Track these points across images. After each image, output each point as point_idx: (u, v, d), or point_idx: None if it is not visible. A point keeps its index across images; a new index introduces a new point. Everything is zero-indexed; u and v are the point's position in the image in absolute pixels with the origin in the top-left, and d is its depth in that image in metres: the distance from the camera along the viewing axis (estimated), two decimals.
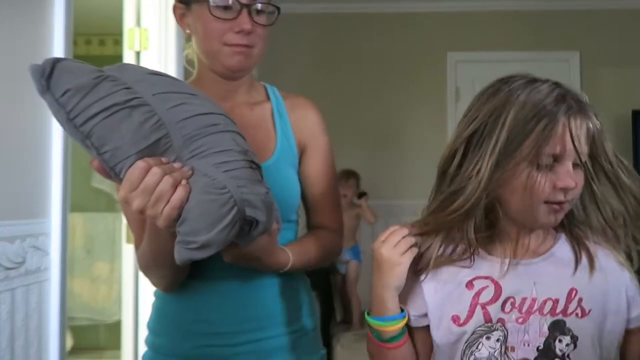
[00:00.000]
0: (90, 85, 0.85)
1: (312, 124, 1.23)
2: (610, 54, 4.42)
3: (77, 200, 2.59)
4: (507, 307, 0.96)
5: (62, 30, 1.57)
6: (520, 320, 0.95)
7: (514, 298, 0.96)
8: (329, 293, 3.74)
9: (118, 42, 4.03)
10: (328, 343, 3.49)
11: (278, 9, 1.13)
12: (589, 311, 0.96)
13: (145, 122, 0.86)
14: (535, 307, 0.96)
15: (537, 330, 0.95)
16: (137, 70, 0.97)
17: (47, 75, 0.86)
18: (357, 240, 3.88)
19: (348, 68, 4.53)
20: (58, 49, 1.56)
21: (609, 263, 0.99)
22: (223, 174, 0.89)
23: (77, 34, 2.21)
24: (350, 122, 4.36)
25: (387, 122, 4.51)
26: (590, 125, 0.94)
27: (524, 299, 0.96)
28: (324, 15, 4.57)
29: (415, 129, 4.51)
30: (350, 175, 3.79)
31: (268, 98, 1.23)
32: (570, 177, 0.92)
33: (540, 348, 0.95)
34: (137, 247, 1.11)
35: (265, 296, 1.13)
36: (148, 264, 1.07)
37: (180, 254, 0.87)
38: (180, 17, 1.15)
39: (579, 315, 0.95)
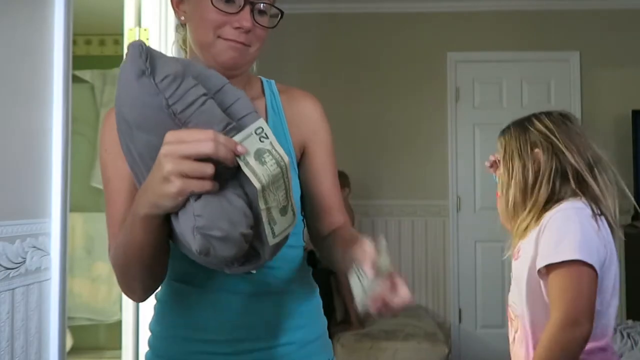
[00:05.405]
0: (182, 74, 0.84)
1: (310, 119, 1.15)
2: (610, 54, 4.43)
3: (77, 200, 2.58)
4: None
5: (62, 30, 1.57)
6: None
7: None
8: (329, 293, 3.74)
9: (118, 42, 4.03)
10: None
11: (281, 12, 1.08)
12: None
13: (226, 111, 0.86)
14: None
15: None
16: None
17: (145, 57, 0.83)
18: None
19: (348, 68, 4.53)
20: (58, 49, 1.56)
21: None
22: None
23: (77, 34, 2.22)
24: (350, 122, 4.36)
25: (387, 122, 4.51)
26: None
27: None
28: (324, 15, 4.57)
29: (416, 129, 4.51)
30: (340, 177, 3.77)
31: (263, 94, 1.16)
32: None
33: None
34: (113, 237, 1.01)
35: (256, 305, 1.08)
36: (130, 259, 0.94)
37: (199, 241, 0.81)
38: (177, 3, 1.10)
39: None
